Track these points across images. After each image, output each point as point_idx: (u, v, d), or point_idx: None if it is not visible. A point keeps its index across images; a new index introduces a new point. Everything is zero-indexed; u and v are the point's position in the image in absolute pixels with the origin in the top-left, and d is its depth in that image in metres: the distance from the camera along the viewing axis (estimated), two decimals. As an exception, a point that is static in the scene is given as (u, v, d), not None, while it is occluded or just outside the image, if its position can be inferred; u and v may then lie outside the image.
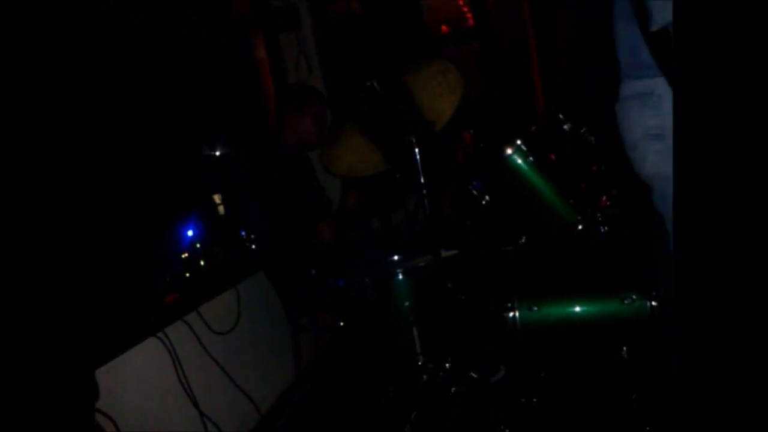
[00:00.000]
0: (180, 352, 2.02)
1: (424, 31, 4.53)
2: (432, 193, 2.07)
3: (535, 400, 1.90)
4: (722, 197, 0.77)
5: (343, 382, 2.52)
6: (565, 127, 2.29)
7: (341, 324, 2.36)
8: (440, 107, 2.22)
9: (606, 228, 2.10)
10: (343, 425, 2.29)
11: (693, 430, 0.78)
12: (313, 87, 3.17)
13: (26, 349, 1.07)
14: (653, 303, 1.78)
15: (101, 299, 1.82)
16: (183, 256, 2.23)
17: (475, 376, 2.01)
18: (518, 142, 2.17)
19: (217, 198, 2.48)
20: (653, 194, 1.35)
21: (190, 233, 2.26)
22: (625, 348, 1.84)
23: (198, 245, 2.28)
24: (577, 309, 1.87)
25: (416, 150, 2.02)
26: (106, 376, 1.67)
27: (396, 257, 2.21)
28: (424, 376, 2.00)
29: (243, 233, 2.49)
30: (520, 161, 2.18)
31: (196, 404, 2.04)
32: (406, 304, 2.07)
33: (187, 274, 2.20)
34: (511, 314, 1.88)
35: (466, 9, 4.79)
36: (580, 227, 2.11)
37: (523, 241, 2.25)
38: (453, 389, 1.96)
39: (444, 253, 2.09)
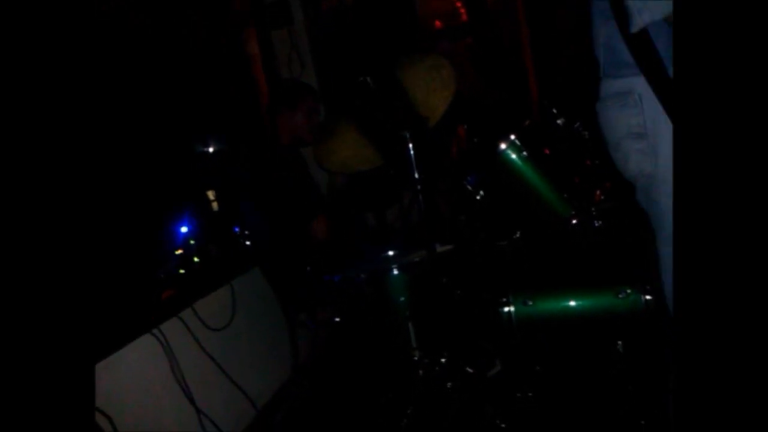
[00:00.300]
0: (175, 348, 2.01)
1: (418, 26, 4.52)
2: (426, 188, 2.07)
3: (530, 394, 1.91)
4: (722, 198, 0.77)
5: (339, 378, 2.52)
6: (559, 121, 2.30)
7: (337, 320, 2.36)
8: (434, 102, 2.21)
9: (600, 222, 2.11)
10: (339, 421, 2.29)
11: (693, 429, 0.78)
12: (304, 83, 3.16)
13: (22, 348, 1.07)
14: (648, 297, 1.79)
15: (95, 296, 1.81)
16: (177, 252, 2.23)
17: (471, 370, 2.02)
18: (512, 137, 2.18)
19: (210, 194, 2.47)
20: (637, 193, 1.35)
21: (184, 229, 2.25)
22: (620, 342, 1.85)
23: (192, 242, 2.27)
24: (572, 303, 1.88)
25: (410, 145, 2.02)
26: (102, 373, 1.67)
27: (391, 253, 2.21)
28: (421, 371, 2.00)
29: (237, 229, 2.49)
30: (514, 156, 2.18)
31: (192, 401, 2.04)
32: (402, 299, 2.07)
33: (182, 271, 2.19)
34: (507, 309, 1.89)
35: (459, 4, 4.79)
36: (574, 221, 2.12)
37: (517, 235, 2.26)
38: (449, 384, 1.96)
39: (439, 249, 2.09)
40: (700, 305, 0.78)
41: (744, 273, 0.75)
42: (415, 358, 2.04)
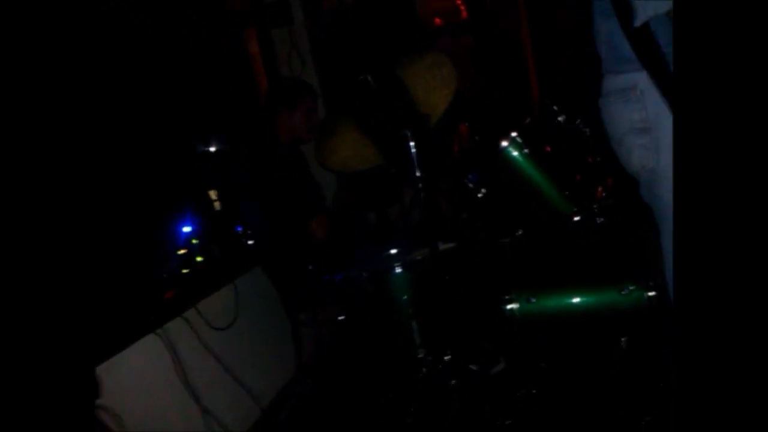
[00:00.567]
0: (179, 348, 2.02)
1: (418, 23, 4.52)
2: (428, 187, 2.07)
3: (534, 391, 1.91)
4: (722, 196, 0.77)
5: (343, 376, 2.52)
6: (560, 119, 2.30)
7: (340, 318, 2.36)
8: (434, 101, 2.21)
9: (602, 219, 2.11)
10: (343, 419, 2.30)
11: (693, 427, 0.78)
12: (302, 81, 3.16)
13: (24, 348, 1.07)
14: (651, 293, 1.80)
15: (99, 297, 1.81)
16: (180, 252, 2.23)
17: (474, 368, 2.02)
18: (513, 134, 2.18)
19: (212, 194, 2.47)
20: (640, 187, 1.36)
21: (186, 229, 2.26)
22: (623, 338, 1.85)
23: (195, 241, 2.28)
24: (575, 300, 1.88)
25: (411, 144, 2.02)
26: (108, 373, 1.67)
27: (393, 251, 2.21)
28: (424, 369, 2.01)
29: (239, 229, 2.49)
30: (515, 153, 2.19)
31: (197, 400, 2.04)
32: (405, 297, 2.07)
33: (185, 271, 2.19)
34: (510, 306, 1.89)
35: (459, 2, 4.78)
36: (576, 218, 2.13)
37: (519, 233, 2.26)
38: (453, 382, 1.97)
39: (441, 247, 2.09)
40: (700, 304, 0.79)
41: (744, 271, 0.75)
42: (419, 356, 2.04)
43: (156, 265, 2.15)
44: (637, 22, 1.11)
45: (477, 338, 2.21)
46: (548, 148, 2.29)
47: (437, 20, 4.72)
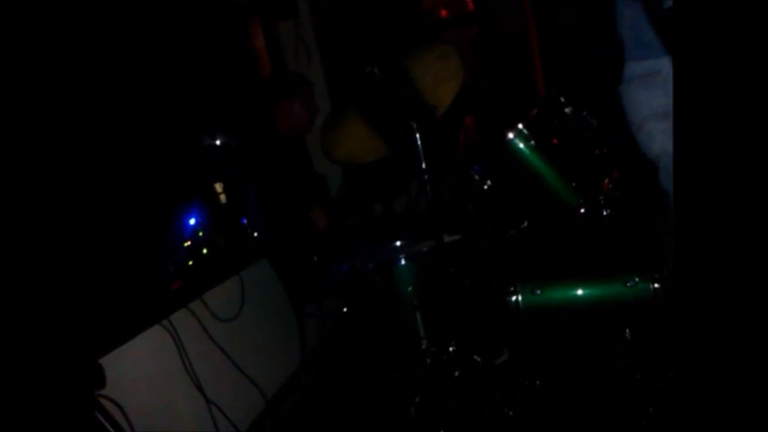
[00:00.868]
0: (185, 339, 2.03)
1: (424, 15, 4.50)
2: (434, 178, 2.07)
3: (538, 382, 1.91)
4: (723, 195, 0.76)
5: (347, 367, 2.53)
6: (567, 110, 2.29)
7: (345, 310, 2.37)
8: (441, 92, 2.21)
9: (608, 211, 2.10)
10: (348, 409, 2.30)
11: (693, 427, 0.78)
12: (297, 72, 3.17)
13: (26, 340, 1.08)
14: (656, 285, 1.79)
15: (106, 288, 1.83)
16: (186, 244, 2.24)
17: (478, 359, 2.02)
18: (520, 126, 2.17)
19: (218, 187, 2.48)
20: (660, 173, 1.35)
21: (192, 221, 2.26)
22: (627, 330, 1.85)
23: (200, 233, 2.29)
24: (580, 292, 1.88)
25: (417, 135, 2.01)
26: (113, 363, 1.68)
27: (399, 243, 2.21)
28: (428, 360, 2.01)
29: (245, 221, 2.50)
30: (521, 145, 2.18)
31: (202, 391, 2.05)
32: (410, 289, 2.08)
33: (191, 262, 2.20)
34: (514, 298, 1.89)
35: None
36: (582, 210, 2.11)
37: (525, 225, 2.26)
38: (457, 373, 1.97)
39: (447, 238, 2.09)
40: (701, 304, 0.78)
41: (745, 269, 0.75)
42: (423, 347, 2.04)
43: (162, 257, 2.16)
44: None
45: (481, 330, 2.21)
46: (555, 140, 2.27)
47: (443, 12, 4.70)
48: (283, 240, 2.56)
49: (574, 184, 2.15)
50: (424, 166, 2.04)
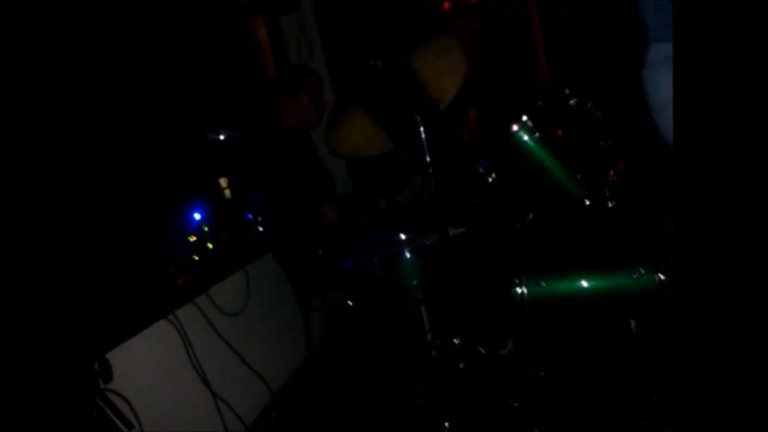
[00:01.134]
0: (191, 334, 2.04)
1: (426, 7, 4.48)
2: (438, 172, 2.06)
3: (543, 374, 1.91)
4: (724, 194, 0.76)
5: (352, 361, 2.54)
6: (572, 102, 2.28)
7: (350, 303, 2.37)
8: (444, 85, 2.20)
9: (613, 202, 2.10)
10: (354, 402, 2.31)
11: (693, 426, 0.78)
12: (304, 65, 3.15)
13: (33, 336, 1.09)
14: (661, 276, 1.78)
15: (112, 283, 1.84)
16: (191, 239, 2.25)
17: (483, 352, 2.02)
18: (524, 118, 2.16)
19: (222, 181, 2.48)
20: None
21: (197, 216, 2.27)
22: (633, 321, 1.85)
23: (205, 228, 2.29)
24: (585, 284, 1.87)
25: (421, 129, 2.01)
26: (120, 358, 1.69)
27: (403, 236, 2.21)
28: (433, 353, 2.01)
29: (249, 216, 2.50)
30: (526, 138, 2.17)
31: (208, 385, 2.07)
32: (414, 282, 2.08)
33: (196, 257, 2.21)
34: (519, 290, 1.88)
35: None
36: (587, 202, 2.11)
37: (530, 217, 2.25)
38: (462, 365, 1.97)
39: (451, 232, 2.09)
40: (701, 303, 0.78)
41: (746, 269, 0.74)
42: (428, 340, 2.05)
43: (168, 253, 2.17)
44: None
45: (486, 322, 2.21)
46: (559, 132, 2.26)
47: (446, 4, 4.68)
48: (287, 234, 2.56)
49: (578, 176, 2.14)
50: (428, 159, 2.04)
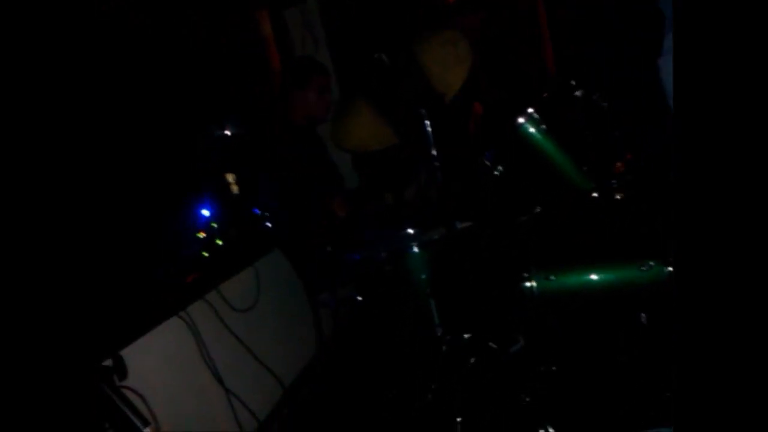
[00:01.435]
0: (202, 330, 2.05)
1: (431, 0, 4.45)
2: (444, 165, 2.06)
3: (554, 368, 1.91)
4: (725, 191, 0.75)
5: (363, 356, 2.55)
6: (577, 93, 2.27)
7: (359, 298, 2.38)
8: (450, 78, 2.20)
9: (621, 194, 2.09)
10: (364, 396, 2.33)
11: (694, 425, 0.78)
12: (313, 59, 3.13)
13: (46, 334, 1.10)
14: (671, 268, 1.78)
15: (122, 282, 1.85)
16: (200, 236, 2.26)
17: (493, 346, 2.03)
18: (530, 110, 2.15)
19: (230, 177, 2.49)
20: None
21: (206, 213, 2.28)
22: (643, 314, 1.84)
23: (214, 225, 2.30)
24: (595, 277, 1.87)
25: (427, 122, 2.01)
26: (134, 355, 1.71)
27: (411, 231, 2.21)
28: (444, 348, 2.02)
29: (258, 211, 2.51)
30: (532, 130, 2.16)
31: (220, 381, 2.08)
32: (423, 276, 2.08)
33: (205, 254, 2.22)
34: (528, 284, 1.89)
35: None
36: (595, 195, 2.10)
37: (538, 210, 2.25)
38: (472, 359, 1.98)
39: (459, 226, 2.09)
40: (701, 302, 0.78)
41: (745, 268, 0.74)
42: (438, 335, 2.05)
43: (178, 250, 2.18)
44: None
45: (496, 317, 2.21)
46: (566, 124, 2.26)
47: (451, -4, 4.64)
48: (296, 230, 2.57)
49: (586, 168, 2.14)
50: (434, 152, 2.04)
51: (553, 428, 1.69)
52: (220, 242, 2.28)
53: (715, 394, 0.76)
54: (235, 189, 2.49)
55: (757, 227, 0.74)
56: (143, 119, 2.31)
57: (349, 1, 3.84)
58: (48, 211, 1.10)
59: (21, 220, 1.02)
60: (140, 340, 1.81)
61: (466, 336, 2.02)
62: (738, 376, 0.75)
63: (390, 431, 2.10)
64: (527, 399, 1.84)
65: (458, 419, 1.83)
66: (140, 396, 1.70)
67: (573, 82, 2.28)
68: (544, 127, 2.15)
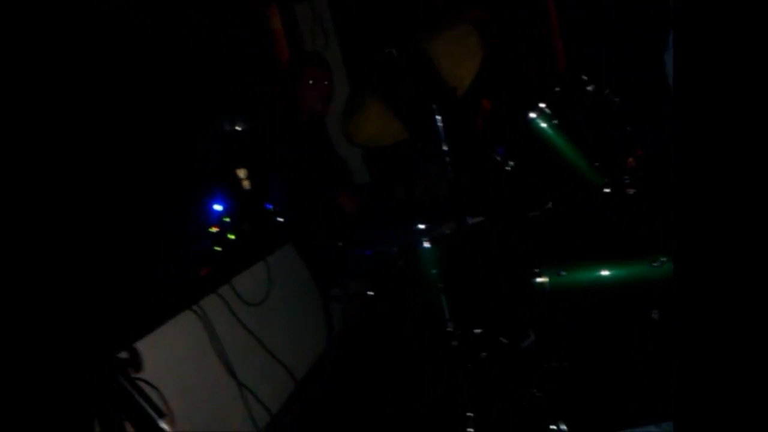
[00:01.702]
0: (215, 324, 2.07)
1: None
2: (455, 160, 2.06)
3: (566, 364, 1.92)
4: (725, 191, 0.75)
5: (374, 350, 2.57)
6: (589, 88, 2.26)
7: (370, 293, 2.40)
8: (461, 72, 2.19)
9: (633, 190, 2.08)
10: (375, 390, 2.34)
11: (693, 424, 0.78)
12: (308, 53, 3.13)
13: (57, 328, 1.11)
14: (682, 264, 1.77)
15: (137, 276, 1.87)
16: (212, 230, 2.28)
17: (504, 341, 2.04)
18: (542, 105, 2.15)
19: (241, 173, 2.50)
20: None
21: (218, 208, 2.30)
22: (655, 310, 1.84)
23: (226, 219, 2.32)
24: (606, 273, 1.87)
25: (437, 117, 2.01)
26: (148, 348, 1.73)
27: (422, 226, 2.22)
28: (454, 343, 2.03)
29: (269, 206, 2.53)
30: (544, 125, 2.16)
31: (233, 374, 2.10)
32: (434, 272, 2.09)
33: (218, 248, 2.24)
34: (540, 279, 1.89)
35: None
36: (606, 190, 2.10)
37: (549, 206, 2.25)
38: (483, 355, 1.99)
39: (470, 221, 2.10)
40: (702, 301, 0.78)
41: (746, 268, 0.74)
42: (448, 330, 2.06)
43: (190, 244, 2.20)
44: None
45: (507, 312, 2.22)
46: (577, 119, 2.25)
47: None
48: (307, 224, 2.58)
49: (597, 163, 2.13)
50: (445, 148, 2.04)
51: (564, 423, 1.69)
52: (232, 237, 2.30)
53: (715, 393, 0.77)
54: (246, 184, 2.50)
55: (757, 227, 0.74)
56: (143, 119, 2.33)
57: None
58: (63, 208, 1.11)
59: (38, 216, 1.03)
60: (154, 334, 1.83)
61: (476, 331, 2.03)
62: (738, 376, 0.75)
63: (401, 426, 2.12)
64: (538, 394, 1.85)
65: (469, 414, 1.84)
66: (155, 388, 1.72)
67: (584, 77, 2.27)
68: (555, 122, 2.14)
